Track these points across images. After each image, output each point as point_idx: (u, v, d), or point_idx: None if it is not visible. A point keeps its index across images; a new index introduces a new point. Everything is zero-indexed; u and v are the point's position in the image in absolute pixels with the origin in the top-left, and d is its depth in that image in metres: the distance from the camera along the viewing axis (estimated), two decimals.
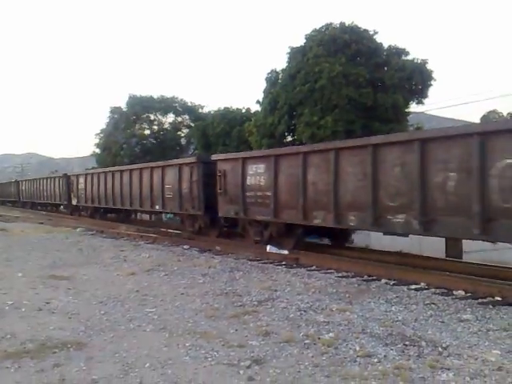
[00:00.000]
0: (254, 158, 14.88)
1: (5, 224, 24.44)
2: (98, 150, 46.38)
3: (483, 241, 9.36)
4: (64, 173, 35.29)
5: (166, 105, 44.42)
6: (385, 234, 11.30)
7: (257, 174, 14.34)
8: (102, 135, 45.89)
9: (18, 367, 5.20)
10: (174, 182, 18.57)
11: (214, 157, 16.93)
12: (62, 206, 35.94)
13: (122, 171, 23.78)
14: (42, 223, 25.74)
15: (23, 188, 44.66)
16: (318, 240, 15.30)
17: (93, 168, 41.43)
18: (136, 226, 22.85)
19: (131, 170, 22.76)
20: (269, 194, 13.78)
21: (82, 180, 28.79)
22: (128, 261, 12.60)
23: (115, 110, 45.03)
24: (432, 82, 25.60)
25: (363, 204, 10.92)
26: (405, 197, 10.10)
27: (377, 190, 10.66)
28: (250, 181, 14.58)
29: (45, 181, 37.17)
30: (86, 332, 6.46)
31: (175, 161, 20.16)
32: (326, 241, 15.34)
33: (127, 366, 5.23)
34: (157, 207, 20.22)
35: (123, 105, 44.95)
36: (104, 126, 45.81)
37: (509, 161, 8.31)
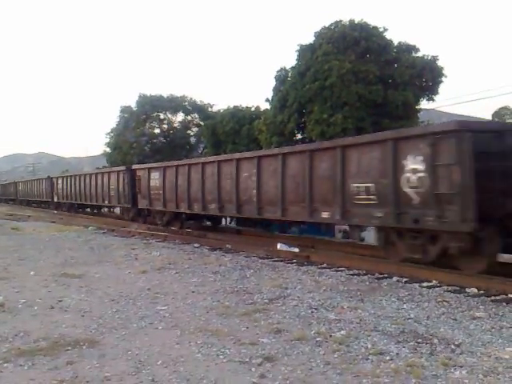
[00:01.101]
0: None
1: (17, 223, 24.65)
2: (108, 149, 46.64)
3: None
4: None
5: (175, 104, 44.53)
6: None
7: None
8: (112, 134, 46.12)
9: (31, 365, 5.24)
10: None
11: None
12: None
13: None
14: (53, 222, 25.92)
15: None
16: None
17: (103, 167, 41.76)
18: (140, 223, 23.03)
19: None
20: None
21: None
22: (139, 259, 12.64)
23: (125, 110, 45.22)
24: (443, 79, 25.48)
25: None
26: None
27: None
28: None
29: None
30: (98, 330, 6.50)
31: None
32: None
33: (139, 363, 5.25)
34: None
35: (133, 104, 45.21)
36: (114, 126, 46.09)
37: None
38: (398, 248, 10.71)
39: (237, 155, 16.88)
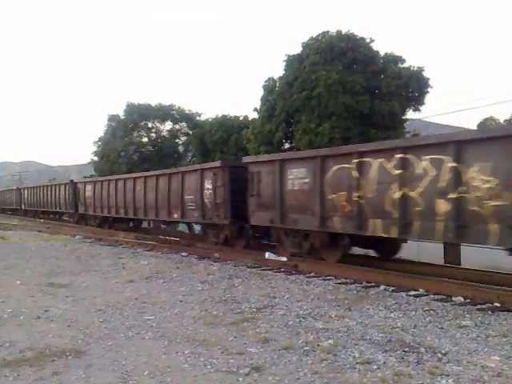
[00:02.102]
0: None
1: (3, 232, 24.39)
2: (96, 158, 46.35)
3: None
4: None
5: (163, 112, 44.41)
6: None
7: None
8: (99, 143, 45.86)
9: (16, 375, 5.18)
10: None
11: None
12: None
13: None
14: (40, 231, 25.69)
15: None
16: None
17: (91, 176, 41.41)
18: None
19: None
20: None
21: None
22: (126, 268, 12.57)
23: (113, 118, 45.02)
24: (428, 89, 25.75)
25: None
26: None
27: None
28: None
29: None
30: (84, 340, 6.44)
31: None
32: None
33: (126, 373, 5.21)
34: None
35: (121, 113, 44.97)
36: (102, 134, 45.76)
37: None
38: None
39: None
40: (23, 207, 44.40)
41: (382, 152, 10.72)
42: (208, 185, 16.29)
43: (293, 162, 13.13)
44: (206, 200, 16.42)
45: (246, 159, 15.43)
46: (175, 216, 18.85)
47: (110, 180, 25.66)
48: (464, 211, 9.01)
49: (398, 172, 10.26)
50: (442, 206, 9.38)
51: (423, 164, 9.78)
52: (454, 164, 9.17)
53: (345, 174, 11.52)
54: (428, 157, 9.70)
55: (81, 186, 29.38)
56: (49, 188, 36.18)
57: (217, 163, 16.72)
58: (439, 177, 9.47)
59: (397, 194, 10.25)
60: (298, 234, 13.23)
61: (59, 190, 33.25)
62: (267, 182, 13.81)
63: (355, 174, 11.20)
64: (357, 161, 11.17)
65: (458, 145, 9.18)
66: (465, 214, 9.01)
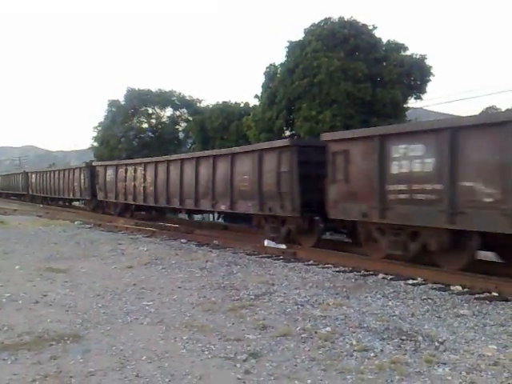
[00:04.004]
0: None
1: (2, 217, 24.39)
2: (95, 144, 46.23)
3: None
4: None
5: (164, 98, 44.23)
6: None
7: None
8: (99, 128, 45.70)
9: (14, 359, 5.20)
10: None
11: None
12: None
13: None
14: (39, 216, 25.71)
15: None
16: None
17: (91, 161, 41.24)
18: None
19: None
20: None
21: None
22: (126, 254, 12.59)
23: (113, 104, 44.83)
24: (431, 78, 25.57)
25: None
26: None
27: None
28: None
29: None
30: (82, 325, 6.46)
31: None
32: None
33: (124, 358, 5.23)
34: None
35: (121, 98, 44.78)
36: (102, 120, 45.60)
37: None
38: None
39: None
40: (30, 192, 40.99)
41: None
42: (269, 169, 13.58)
43: (402, 137, 10.26)
44: (266, 187, 13.68)
45: (326, 136, 12.45)
46: (222, 207, 15.98)
47: (136, 164, 22.54)
48: None
49: None
50: None
51: None
52: None
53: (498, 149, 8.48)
54: None
55: (100, 169, 26.04)
56: (61, 172, 33.00)
57: (283, 142, 14.01)
58: None
59: None
60: (403, 232, 10.34)
61: (73, 174, 30.43)
62: (359, 165, 11.08)
63: None
64: None
65: None
66: None
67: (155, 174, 20.27)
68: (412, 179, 9.88)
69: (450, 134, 9.13)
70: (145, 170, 21.33)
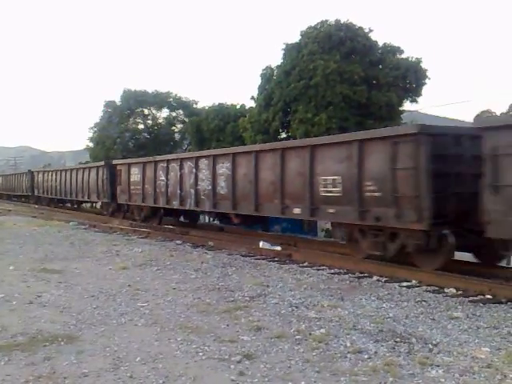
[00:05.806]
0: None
1: None
2: (91, 144, 46.15)
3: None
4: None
5: (160, 99, 44.22)
6: None
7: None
8: (95, 129, 45.62)
9: (8, 360, 5.19)
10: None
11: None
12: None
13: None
14: (34, 217, 25.61)
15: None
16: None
17: (86, 162, 41.13)
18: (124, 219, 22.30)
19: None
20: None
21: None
22: (120, 255, 12.56)
23: (109, 104, 44.78)
24: (426, 81, 25.69)
25: None
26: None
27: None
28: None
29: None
30: (77, 326, 6.45)
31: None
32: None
33: (118, 359, 5.23)
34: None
35: (117, 99, 44.76)
36: (98, 120, 45.55)
37: None
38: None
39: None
40: (36, 193, 37.26)
41: None
42: (375, 164, 10.55)
43: None
44: (369, 188, 10.57)
45: (481, 122, 10.13)
46: (296, 211, 12.64)
47: (169, 160, 18.87)
48: None
49: None
50: None
51: None
52: None
53: None
54: None
55: (123, 168, 22.29)
56: (73, 171, 29.29)
57: (403, 130, 11.11)
58: None
59: None
60: None
61: (88, 173, 26.76)
62: None
63: None
64: None
65: None
66: None
67: (196, 172, 16.69)
68: None
69: None
70: (181, 167, 17.62)
